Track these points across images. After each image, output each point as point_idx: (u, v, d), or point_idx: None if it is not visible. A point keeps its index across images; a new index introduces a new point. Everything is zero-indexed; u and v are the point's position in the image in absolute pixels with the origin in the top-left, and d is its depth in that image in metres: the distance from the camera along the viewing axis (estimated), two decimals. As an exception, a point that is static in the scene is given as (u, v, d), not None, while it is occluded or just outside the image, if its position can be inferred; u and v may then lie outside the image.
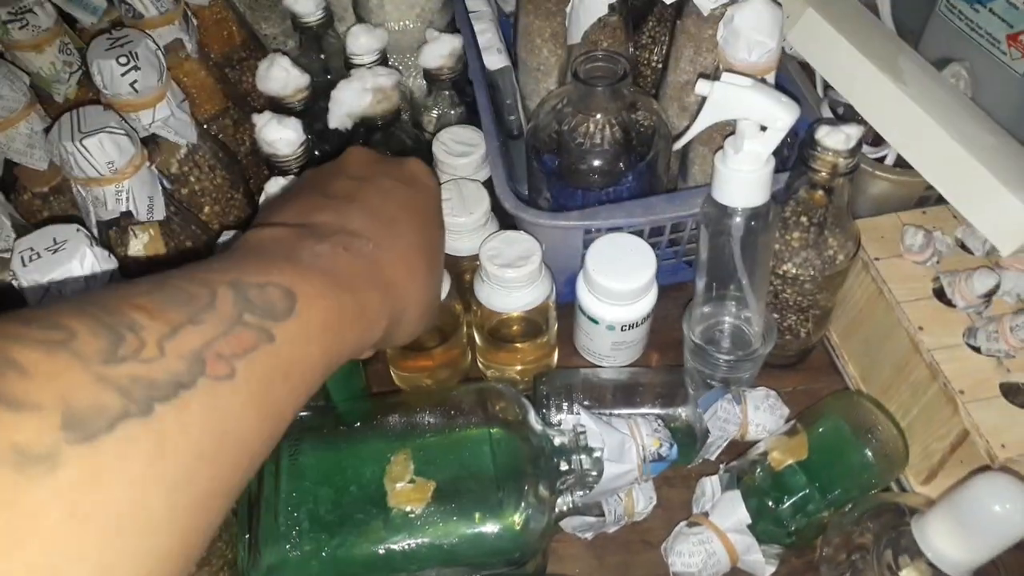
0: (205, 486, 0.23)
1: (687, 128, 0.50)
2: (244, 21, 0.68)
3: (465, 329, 0.59)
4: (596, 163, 0.58)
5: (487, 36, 0.61)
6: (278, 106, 0.60)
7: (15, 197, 0.54)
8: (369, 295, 0.33)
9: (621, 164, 0.58)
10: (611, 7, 0.59)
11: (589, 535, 0.53)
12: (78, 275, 0.38)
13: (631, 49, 0.64)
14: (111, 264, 0.39)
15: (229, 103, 0.62)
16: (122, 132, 0.44)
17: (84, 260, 0.38)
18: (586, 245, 0.57)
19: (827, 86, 0.63)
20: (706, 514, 0.51)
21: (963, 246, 0.55)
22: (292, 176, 0.54)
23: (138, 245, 0.48)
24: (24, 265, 0.37)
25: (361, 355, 0.34)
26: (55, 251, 0.38)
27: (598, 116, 0.56)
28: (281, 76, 0.59)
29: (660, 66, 0.66)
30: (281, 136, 0.54)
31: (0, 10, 0.52)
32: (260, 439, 0.26)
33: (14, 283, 0.38)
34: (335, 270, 0.31)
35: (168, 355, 0.23)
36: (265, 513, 0.44)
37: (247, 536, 0.44)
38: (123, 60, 0.47)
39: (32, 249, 0.38)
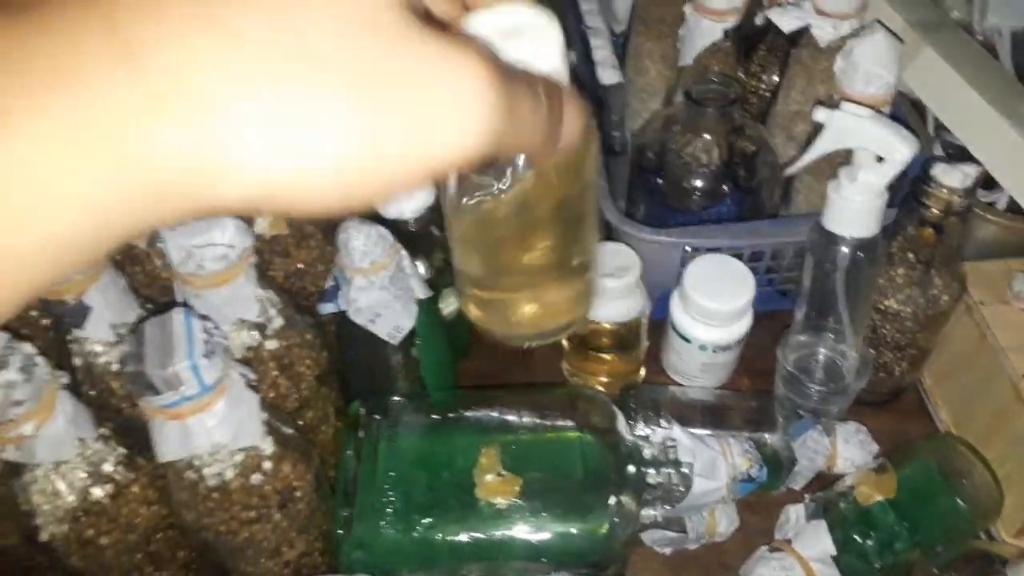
0: None
1: (800, 155, 0.50)
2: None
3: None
4: (700, 183, 0.59)
5: (603, 52, 0.63)
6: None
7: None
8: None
9: (724, 186, 0.59)
10: (725, 33, 0.60)
11: (668, 550, 0.53)
12: (219, 243, 0.40)
13: (740, 75, 0.65)
14: (249, 236, 0.42)
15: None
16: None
17: (225, 230, 0.40)
18: (683, 263, 0.58)
19: (939, 126, 0.63)
20: (789, 541, 0.50)
21: (1074, 297, 0.54)
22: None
23: (263, 224, 0.50)
24: (172, 229, 0.40)
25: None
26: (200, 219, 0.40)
27: (706, 137, 0.57)
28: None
29: (768, 94, 0.67)
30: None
31: None
32: None
33: (159, 244, 0.41)
34: None
35: None
36: (363, 490, 0.46)
37: (346, 510, 0.45)
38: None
39: (180, 216, 0.41)
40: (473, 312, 0.32)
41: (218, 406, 0.37)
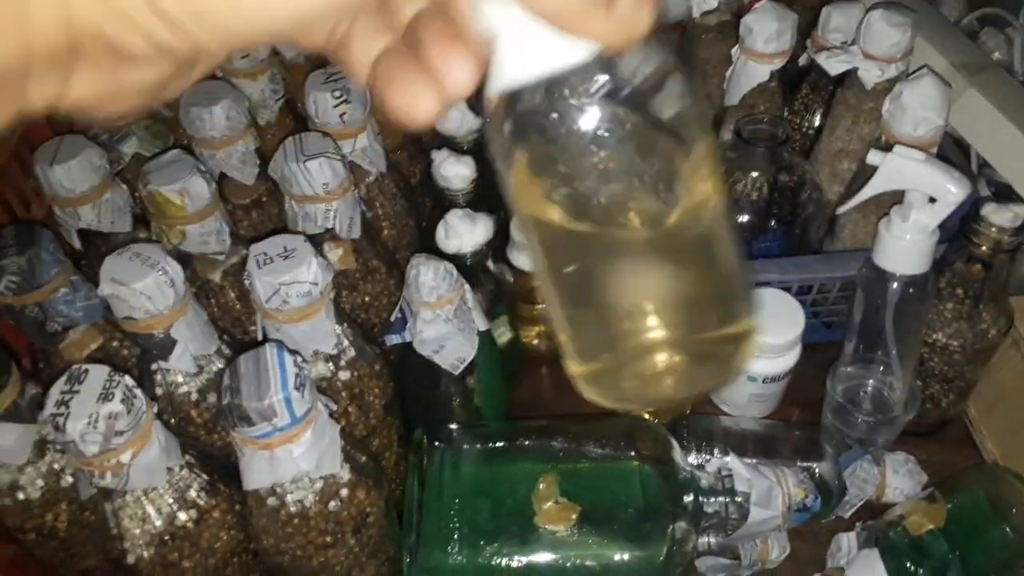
0: None
1: (847, 193, 0.52)
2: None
3: None
4: (746, 218, 0.61)
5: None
6: (450, 144, 0.64)
7: (216, 207, 0.60)
8: None
9: (772, 222, 0.61)
10: (772, 74, 0.62)
11: (721, 577, 0.54)
12: (304, 280, 0.42)
13: (785, 114, 0.66)
14: (330, 273, 0.44)
15: (406, 138, 0.67)
16: (338, 157, 0.49)
17: (310, 267, 0.42)
18: (732, 297, 0.59)
19: (982, 164, 0.64)
20: (841, 569, 0.51)
21: (1119, 332, 0.55)
22: (462, 208, 0.59)
23: (333, 258, 0.52)
24: (259, 267, 0.42)
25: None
26: (286, 257, 0.43)
27: (754, 174, 0.59)
28: (457, 117, 0.64)
29: (811, 132, 0.68)
30: (457, 172, 0.59)
31: (227, 41, 0.59)
32: None
33: (246, 282, 0.43)
34: None
35: None
36: (428, 517, 0.48)
37: (412, 536, 0.47)
38: (337, 94, 0.53)
39: (266, 254, 0.43)
40: (582, 380, 0.23)
41: (305, 436, 0.39)
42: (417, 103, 0.18)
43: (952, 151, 0.64)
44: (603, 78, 0.16)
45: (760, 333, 0.25)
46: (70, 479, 0.46)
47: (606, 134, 0.16)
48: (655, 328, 0.21)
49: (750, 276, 0.23)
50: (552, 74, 0.16)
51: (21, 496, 0.45)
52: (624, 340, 0.21)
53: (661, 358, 0.21)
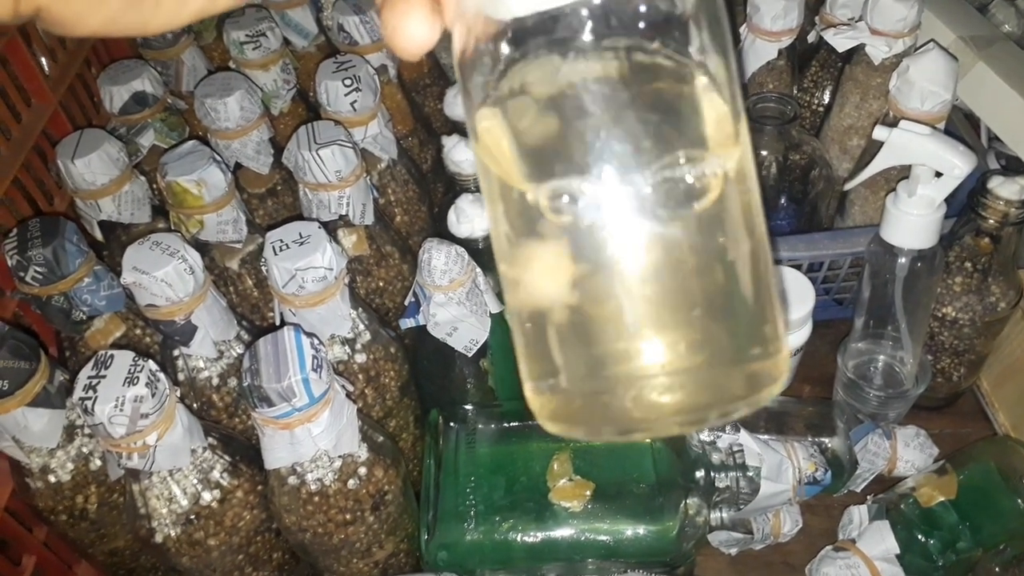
0: None
1: (857, 169, 0.52)
2: (431, 50, 0.74)
3: None
4: (756, 198, 0.61)
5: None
6: (461, 130, 0.65)
7: (232, 196, 0.61)
8: None
9: (782, 200, 0.61)
10: (780, 52, 0.62)
11: (734, 551, 0.55)
12: (319, 265, 0.43)
13: (795, 91, 0.67)
14: (344, 259, 0.45)
15: (417, 125, 0.68)
16: (350, 145, 0.50)
17: (325, 253, 0.44)
18: (742, 275, 0.60)
19: (992, 137, 0.64)
20: (853, 541, 0.52)
21: None
22: (473, 193, 0.59)
23: (347, 244, 0.53)
24: (276, 254, 0.43)
25: None
26: (301, 243, 0.44)
27: (764, 153, 0.59)
28: (467, 102, 0.64)
29: (821, 109, 0.69)
30: (468, 157, 0.59)
31: (239, 33, 0.60)
32: None
33: (263, 268, 0.44)
34: None
35: None
36: (445, 495, 0.49)
37: (430, 513, 0.48)
38: (347, 82, 0.54)
39: (281, 241, 0.44)
40: (542, 403, 0.18)
41: (323, 416, 0.40)
42: (411, 26, 0.18)
43: (962, 125, 0.64)
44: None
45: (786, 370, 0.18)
46: (99, 462, 0.48)
47: (611, 68, 0.14)
48: (654, 348, 0.15)
49: (782, 291, 0.17)
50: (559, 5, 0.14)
51: (52, 479, 0.47)
52: (609, 361, 0.16)
53: (656, 389, 0.16)
